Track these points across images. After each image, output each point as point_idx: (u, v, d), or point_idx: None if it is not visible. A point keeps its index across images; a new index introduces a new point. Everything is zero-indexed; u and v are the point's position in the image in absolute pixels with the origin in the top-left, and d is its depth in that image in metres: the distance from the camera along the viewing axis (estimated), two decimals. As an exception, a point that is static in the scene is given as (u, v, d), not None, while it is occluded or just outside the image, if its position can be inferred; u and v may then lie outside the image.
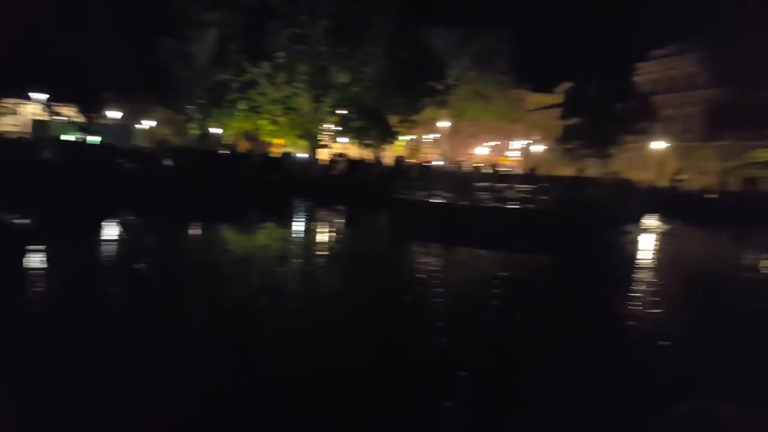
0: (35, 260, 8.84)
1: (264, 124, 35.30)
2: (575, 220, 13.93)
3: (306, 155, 35.69)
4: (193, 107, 37.47)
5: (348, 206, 20.19)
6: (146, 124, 43.00)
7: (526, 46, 48.59)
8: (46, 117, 34.15)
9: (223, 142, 39.17)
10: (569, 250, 12.03)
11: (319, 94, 34.66)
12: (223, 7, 32.91)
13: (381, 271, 10.24)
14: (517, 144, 63.30)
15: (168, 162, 23.20)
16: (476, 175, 30.38)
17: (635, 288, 9.14)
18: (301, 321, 6.61)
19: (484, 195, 18.62)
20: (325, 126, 38.54)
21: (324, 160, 35.16)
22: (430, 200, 16.95)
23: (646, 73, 49.75)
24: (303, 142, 36.45)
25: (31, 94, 28.58)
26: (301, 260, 10.78)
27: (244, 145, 40.28)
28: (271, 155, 32.00)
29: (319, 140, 37.45)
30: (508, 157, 67.02)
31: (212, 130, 40.05)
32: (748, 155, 28.78)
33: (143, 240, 11.63)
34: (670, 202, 24.42)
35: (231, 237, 13.38)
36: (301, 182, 24.45)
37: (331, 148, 41.42)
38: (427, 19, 41.69)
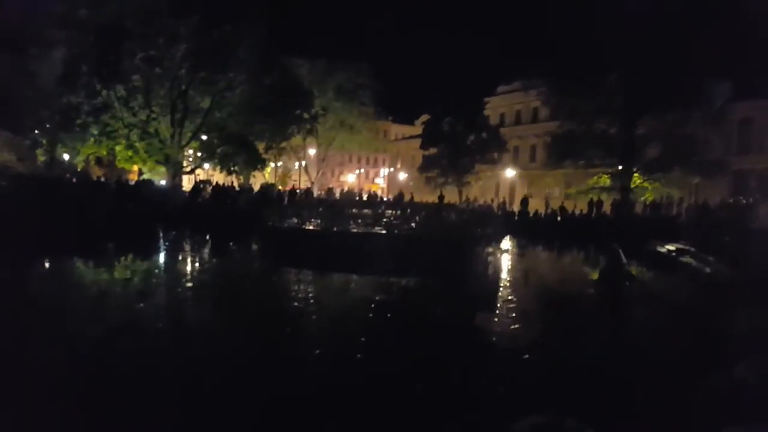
0: None
1: (120, 149, 33.02)
2: (440, 243, 14.83)
3: (166, 182, 33.99)
4: (40, 131, 34.18)
5: (216, 234, 19.59)
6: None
7: (387, 80, 51.09)
8: None
9: (75, 169, 36.09)
10: (436, 271, 12.77)
11: (180, 119, 33.30)
12: (72, 25, 30.61)
13: (253, 300, 10.06)
14: (383, 171, 65.54)
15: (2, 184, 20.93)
16: (346, 201, 31.03)
17: (497, 304, 9.96)
18: (166, 359, 6.32)
19: (355, 221, 19.13)
20: (188, 152, 37.07)
21: (188, 188, 33.74)
22: (302, 227, 17.06)
23: (495, 107, 54.44)
24: (163, 168, 34.68)
25: None
26: (165, 294, 10.29)
27: (97, 172, 37.43)
28: (129, 182, 30.10)
29: (182, 166, 35.89)
30: (375, 183, 69.12)
31: (63, 155, 36.82)
32: (589, 180, 32.40)
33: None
34: (521, 225, 26.80)
35: (82, 272, 12.34)
36: (164, 210, 23.23)
37: (195, 174, 39.91)
38: (292, 49, 42.29)
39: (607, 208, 30.73)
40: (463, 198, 40.38)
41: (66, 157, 38.23)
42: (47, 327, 7.32)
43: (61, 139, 34.26)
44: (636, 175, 30.64)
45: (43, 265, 12.66)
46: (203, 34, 31.37)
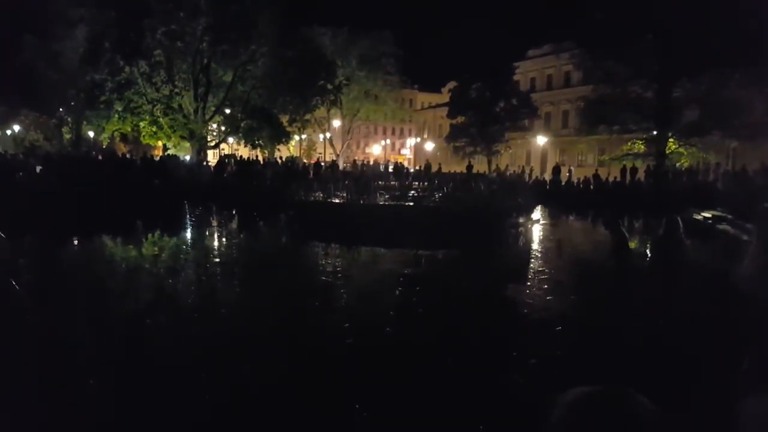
0: None
1: (144, 125, 33.09)
2: (469, 214, 14.36)
3: (191, 157, 34.01)
4: (65, 110, 34.48)
5: (242, 209, 19.40)
6: (14, 128, 39.33)
7: (411, 47, 49.96)
8: None
9: (100, 146, 36.47)
10: (465, 243, 12.33)
11: (203, 93, 33.12)
12: (92, 3, 30.50)
13: (285, 274, 9.82)
14: (409, 141, 64.73)
15: (38, 168, 21.17)
16: (372, 173, 30.61)
17: (526, 277, 9.50)
18: (210, 331, 6.15)
19: (381, 193, 18.76)
20: (212, 126, 37.00)
21: (213, 162, 33.74)
22: (328, 200, 16.77)
23: (525, 72, 52.77)
24: (188, 144, 34.69)
25: None
26: (195, 269, 10.11)
27: (122, 149, 37.70)
28: (154, 158, 30.13)
29: (206, 141, 35.86)
30: (401, 154, 68.42)
31: (89, 133, 37.18)
32: (623, 147, 31.19)
33: (13, 257, 10.26)
34: (554, 194, 26.00)
35: (116, 250, 12.27)
36: (189, 186, 23.12)
37: (220, 149, 39.91)
38: (313, 20, 41.54)
39: (641, 175, 29.65)
40: (493, 167, 39.49)
41: (91, 134, 38.57)
42: (93, 303, 7.25)
43: (86, 116, 34.52)
44: (671, 140, 29.37)
45: (78, 242, 12.62)
46: (223, 6, 30.95)
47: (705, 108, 27.96)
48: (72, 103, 33.51)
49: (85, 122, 35.34)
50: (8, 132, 40.01)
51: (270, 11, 32.67)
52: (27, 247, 11.41)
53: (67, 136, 35.66)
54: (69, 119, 35.23)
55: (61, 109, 34.58)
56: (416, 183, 26.12)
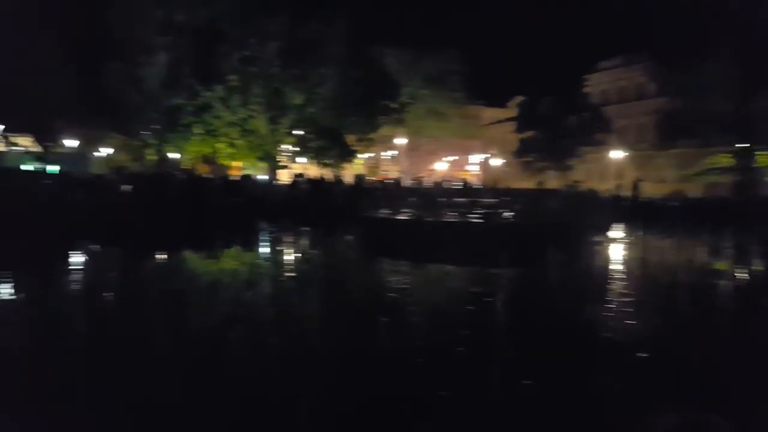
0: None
1: (221, 147, 34.73)
2: (542, 232, 14.01)
3: (265, 177, 35.23)
4: (149, 132, 36.66)
5: (313, 227, 19.84)
6: (103, 151, 42.09)
7: (475, 64, 49.51)
8: (2, 148, 32.96)
9: (181, 167, 38.40)
10: (538, 262, 12.03)
11: (276, 116, 34.40)
12: (171, 32, 32.40)
13: (356, 290, 9.93)
14: (476, 158, 64.16)
15: (126, 188, 22.52)
16: (439, 190, 30.54)
17: (610, 299, 9.14)
18: (287, 345, 6.30)
19: (449, 210, 18.64)
20: (284, 147, 38.22)
21: (284, 181, 34.75)
22: (396, 217, 16.83)
23: (596, 85, 51.34)
24: (262, 164, 36.03)
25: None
26: (277, 284, 10.40)
27: (202, 169, 39.52)
28: (231, 178, 31.42)
29: (278, 161, 37.08)
30: (467, 171, 67.88)
31: (170, 154, 39.25)
32: (706, 161, 29.72)
33: (109, 269, 10.94)
34: (633, 211, 24.90)
35: (200, 264, 12.85)
36: (264, 204, 24.00)
37: (290, 168, 41.07)
38: (378, 40, 42.16)
39: (721, 189, 28.12)
40: (565, 183, 38.48)
41: (173, 156, 40.77)
42: (179, 314, 7.61)
43: (167, 138, 36.53)
44: (761, 153, 27.68)
45: (165, 257, 13.29)
46: (293, 31, 32.11)
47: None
48: (154, 126, 35.61)
49: (167, 144, 37.43)
50: (101, 154, 42.85)
51: (337, 34, 33.57)
52: (118, 260, 12.10)
53: (151, 158, 37.87)
54: (152, 141, 37.42)
55: (144, 132, 36.80)
56: (484, 199, 25.76)
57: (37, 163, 30.53)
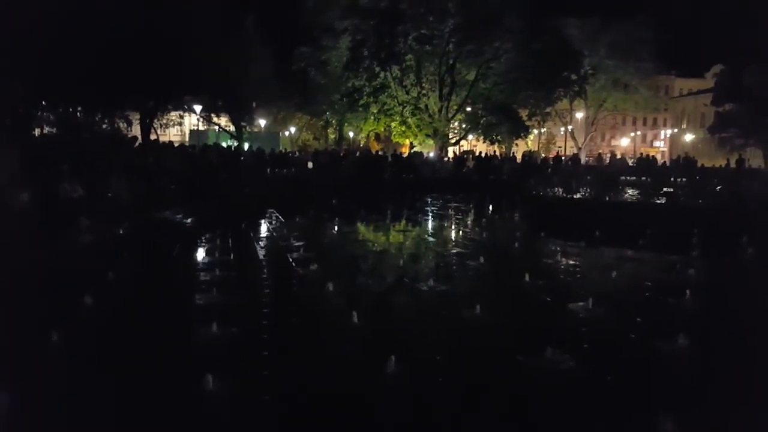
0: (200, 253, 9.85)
1: (395, 125, 36.09)
2: (739, 217, 12.56)
3: (433, 154, 35.90)
4: (330, 112, 39.36)
5: (480, 204, 19.94)
6: (290, 129, 46.19)
7: (668, 31, 44.57)
8: (202, 127, 37.77)
9: (359, 145, 40.91)
10: (733, 251, 10.83)
11: (447, 93, 34.70)
12: (356, 14, 34.02)
13: (518, 271, 9.72)
14: (663, 133, 58.64)
15: (309, 164, 24.75)
16: (618, 167, 28.65)
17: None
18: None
19: (629, 190, 17.50)
20: (454, 124, 38.48)
21: (452, 158, 35.13)
22: (569, 196, 16.23)
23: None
24: (431, 141, 36.71)
25: (190, 106, 31.53)
26: (440, 257, 10.71)
27: (374, 146, 41.54)
28: (402, 155, 32.61)
29: (448, 138, 37.49)
30: (653, 146, 62.39)
31: (349, 133, 41.96)
32: None
33: (295, 236, 12.11)
34: None
35: (384, 234, 13.75)
36: (433, 180, 24.74)
37: (460, 146, 41.28)
38: (560, 10, 40.04)
39: None
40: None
41: (350, 134, 43.40)
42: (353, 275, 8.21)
43: (346, 118, 38.90)
44: None
45: (342, 225, 14.48)
46: (470, 7, 31.91)
47: None
48: (335, 107, 38.10)
49: (345, 123, 39.91)
50: (286, 133, 47.06)
51: (517, 5, 32.66)
52: (302, 229, 13.40)
53: (332, 136, 40.76)
54: (333, 121, 40.14)
55: (327, 113, 39.56)
56: (671, 179, 23.55)
57: (232, 140, 34.18)
